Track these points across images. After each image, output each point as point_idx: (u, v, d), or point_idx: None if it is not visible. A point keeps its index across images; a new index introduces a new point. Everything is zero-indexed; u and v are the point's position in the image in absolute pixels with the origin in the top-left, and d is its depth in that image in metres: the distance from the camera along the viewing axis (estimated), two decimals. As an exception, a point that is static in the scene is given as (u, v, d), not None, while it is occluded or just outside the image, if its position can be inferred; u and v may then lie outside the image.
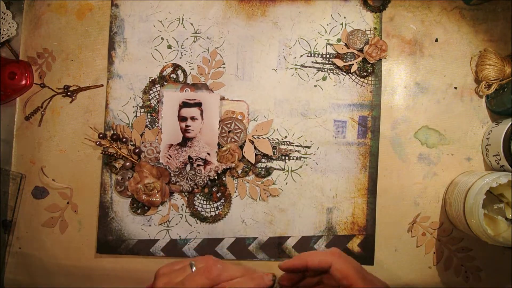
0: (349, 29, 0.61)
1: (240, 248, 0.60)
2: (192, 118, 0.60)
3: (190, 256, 0.60)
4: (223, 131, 0.60)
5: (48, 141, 0.62)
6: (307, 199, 0.60)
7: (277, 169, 0.60)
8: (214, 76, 0.61)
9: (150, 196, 0.59)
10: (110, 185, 0.60)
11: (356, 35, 0.60)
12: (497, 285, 0.59)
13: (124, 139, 0.60)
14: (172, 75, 0.61)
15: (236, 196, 0.60)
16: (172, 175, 0.59)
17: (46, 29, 0.62)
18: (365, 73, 0.60)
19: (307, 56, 0.61)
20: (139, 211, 0.60)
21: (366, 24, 0.61)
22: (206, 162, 0.59)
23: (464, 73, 0.60)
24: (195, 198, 0.60)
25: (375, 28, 0.61)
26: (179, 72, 0.61)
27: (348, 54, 0.61)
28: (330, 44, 0.61)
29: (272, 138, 0.60)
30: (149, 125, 0.61)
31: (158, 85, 0.61)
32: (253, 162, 0.59)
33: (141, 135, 0.60)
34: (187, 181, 0.59)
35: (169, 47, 0.61)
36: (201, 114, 0.60)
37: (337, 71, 0.61)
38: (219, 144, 0.60)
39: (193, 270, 0.42)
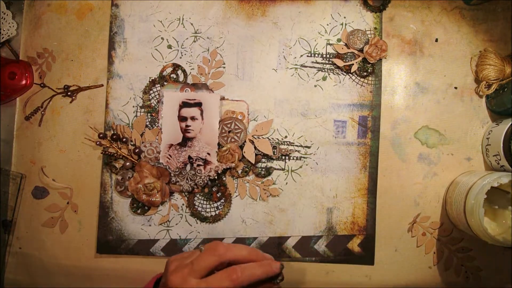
0: (349, 29, 0.61)
1: (240, 248, 0.60)
2: (192, 118, 0.60)
3: (190, 256, 0.60)
4: (223, 131, 0.60)
5: (48, 141, 0.62)
6: (307, 199, 0.60)
7: (277, 169, 0.60)
8: (214, 76, 0.61)
9: (150, 196, 0.59)
10: (110, 185, 0.60)
11: (356, 35, 0.60)
12: (497, 285, 0.59)
13: (124, 139, 0.60)
14: (172, 75, 0.61)
15: (236, 196, 0.60)
16: (172, 175, 0.59)
17: (46, 29, 0.62)
18: (365, 73, 0.60)
19: (307, 56, 0.61)
20: (139, 211, 0.60)
21: (366, 24, 0.61)
22: (206, 162, 0.59)
23: (464, 73, 0.60)
24: (195, 198, 0.60)
25: (375, 28, 0.61)
26: (179, 72, 0.61)
27: (348, 54, 0.61)
28: (330, 44, 0.61)
29: (272, 138, 0.60)
30: (149, 125, 0.61)
31: (158, 85, 0.61)
32: (253, 162, 0.59)
33: (141, 135, 0.60)
34: (187, 181, 0.59)
35: (169, 47, 0.61)
36: (201, 114, 0.60)
37: (337, 71, 0.61)
38: (219, 144, 0.60)
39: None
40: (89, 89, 0.62)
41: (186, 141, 0.60)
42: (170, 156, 0.60)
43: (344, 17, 0.61)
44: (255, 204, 0.60)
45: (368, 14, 0.61)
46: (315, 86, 0.61)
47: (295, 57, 0.61)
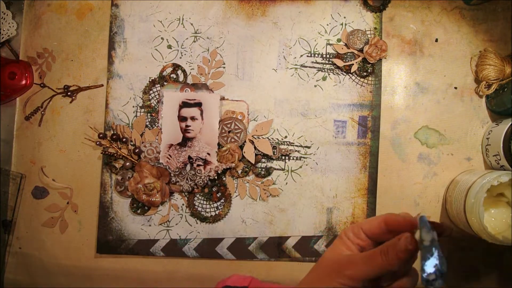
0: (349, 29, 0.61)
1: (240, 248, 0.60)
2: (192, 118, 0.60)
3: (190, 256, 0.60)
4: (223, 131, 0.60)
5: (48, 141, 0.61)
6: (307, 199, 0.60)
7: (277, 169, 0.60)
8: (214, 76, 0.61)
9: (150, 196, 0.59)
10: (110, 185, 0.60)
11: (356, 35, 0.60)
12: (497, 285, 0.59)
13: (124, 139, 0.60)
14: (172, 75, 0.61)
15: (236, 196, 0.60)
16: (172, 175, 0.59)
17: (46, 29, 0.62)
18: (365, 73, 0.60)
19: (307, 56, 0.61)
20: (139, 211, 0.60)
21: (366, 24, 0.61)
22: (206, 162, 0.59)
23: (464, 73, 0.60)
24: (195, 198, 0.60)
25: (375, 28, 0.61)
26: (179, 72, 0.61)
27: (348, 54, 0.61)
28: (330, 44, 0.61)
29: (272, 138, 0.60)
30: (149, 125, 0.61)
31: (158, 85, 0.61)
32: (253, 162, 0.59)
33: (141, 135, 0.60)
34: (187, 181, 0.59)
35: (169, 47, 0.61)
36: (201, 114, 0.60)
37: (337, 71, 0.61)
38: (219, 144, 0.60)
39: None
40: (89, 89, 0.62)
41: (186, 141, 0.60)
42: (170, 156, 0.60)
43: (344, 17, 0.61)
44: (255, 204, 0.60)
45: (368, 14, 0.61)
46: (315, 86, 0.61)
47: (295, 57, 0.61)
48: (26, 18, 0.63)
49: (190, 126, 0.60)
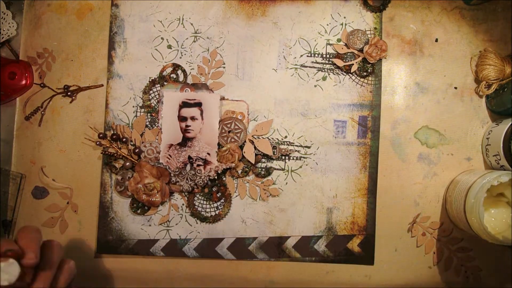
0: (349, 29, 0.61)
1: (240, 248, 0.60)
2: (192, 118, 0.60)
3: (190, 256, 0.60)
4: (223, 131, 0.60)
5: (48, 141, 0.62)
6: (307, 199, 0.60)
7: (277, 169, 0.60)
8: (214, 76, 0.61)
9: (150, 196, 0.59)
10: (110, 185, 0.60)
11: (356, 35, 0.60)
12: (497, 285, 0.59)
13: (124, 139, 0.60)
14: (172, 75, 0.61)
15: (236, 196, 0.60)
16: (172, 175, 0.59)
17: (46, 29, 0.62)
18: (365, 73, 0.60)
19: (307, 56, 0.61)
20: (139, 211, 0.60)
21: (366, 24, 0.61)
22: (206, 162, 0.59)
23: (464, 73, 0.60)
24: (195, 198, 0.60)
25: (375, 28, 0.61)
26: (179, 72, 0.61)
27: (348, 54, 0.61)
28: (330, 44, 0.61)
29: (272, 138, 0.60)
30: (149, 125, 0.61)
31: (158, 85, 0.61)
32: (253, 162, 0.59)
33: (141, 135, 0.60)
34: (187, 181, 0.59)
35: (169, 47, 0.61)
36: (201, 114, 0.60)
37: (337, 71, 0.61)
38: (219, 144, 0.60)
39: None
40: (89, 89, 0.62)
41: (186, 141, 0.60)
42: (170, 156, 0.60)
43: (344, 17, 0.61)
44: (255, 204, 0.60)
45: (368, 14, 0.61)
46: (315, 86, 0.61)
47: (295, 57, 0.61)
48: (26, 18, 0.63)
49: (190, 126, 0.60)
